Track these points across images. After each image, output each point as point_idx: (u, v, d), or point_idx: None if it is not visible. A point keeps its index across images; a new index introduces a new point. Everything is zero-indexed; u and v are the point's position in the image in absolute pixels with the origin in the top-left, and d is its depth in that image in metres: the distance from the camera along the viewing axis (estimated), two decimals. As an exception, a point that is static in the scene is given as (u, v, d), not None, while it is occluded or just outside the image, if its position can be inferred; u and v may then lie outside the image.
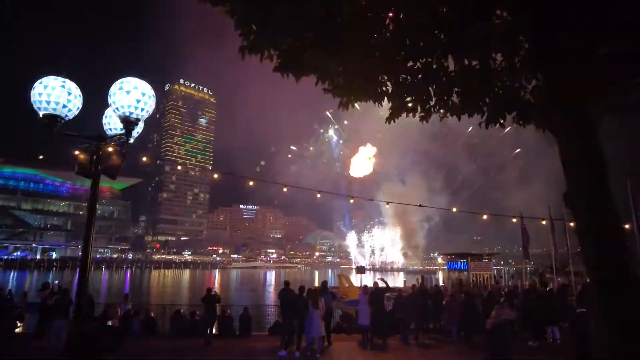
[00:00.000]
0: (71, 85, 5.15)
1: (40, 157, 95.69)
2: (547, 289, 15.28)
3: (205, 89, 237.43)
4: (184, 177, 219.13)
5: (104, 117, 5.95)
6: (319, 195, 24.32)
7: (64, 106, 5.04)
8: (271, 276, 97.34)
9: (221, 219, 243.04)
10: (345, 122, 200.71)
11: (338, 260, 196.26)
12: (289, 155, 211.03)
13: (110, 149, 5.71)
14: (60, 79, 5.10)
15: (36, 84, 4.98)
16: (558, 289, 15.60)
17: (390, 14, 3.89)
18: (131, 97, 5.04)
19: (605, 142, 3.35)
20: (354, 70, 3.98)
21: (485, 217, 27.43)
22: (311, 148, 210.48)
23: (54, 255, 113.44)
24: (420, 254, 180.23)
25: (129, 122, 5.12)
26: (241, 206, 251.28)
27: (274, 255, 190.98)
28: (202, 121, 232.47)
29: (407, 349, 11.82)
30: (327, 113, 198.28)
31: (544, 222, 24.90)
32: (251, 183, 24.50)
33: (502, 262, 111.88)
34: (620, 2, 3.60)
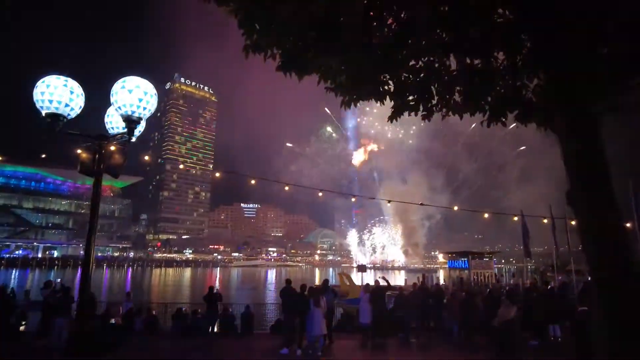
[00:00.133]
0: (73, 84, 5.17)
1: (43, 155, 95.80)
2: (548, 287, 15.28)
3: (206, 88, 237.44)
4: (185, 175, 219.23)
5: (106, 115, 5.97)
6: (320, 194, 24.31)
7: (67, 105, 5.06)
8: (272, 275, 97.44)
9: (222, 217, 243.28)
10: (348, 120, 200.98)
11: (339, 258, 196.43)
12: (284, 153, 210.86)
13: (112, 148, 5.73)
14: (62, 78, 5.12)
15: (39, 83, 4.99)
16: (559, 288, 15.62)
17: (392, 14, 3.90)
18: (133, 96, 5.06)
19: (606, 141, 3.36)
20: (356, 70, 3.99)
21: (486, 215, 27.43)
22: (307, 149, 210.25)
23: (56, 253, 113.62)
24: (421, 252, 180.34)
25: (131, 121, 5.14)
26: (242, 205, 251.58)
27: (275, 254, 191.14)
28: (203, 119, 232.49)
29: (408, 348, 11.84)
30: (326, 109, 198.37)
31: (545, 221, 24.90)
32: (253, 182, 24.51)
33: (503, 261, 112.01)
34: (620, 2, 3.60)
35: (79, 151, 5.66)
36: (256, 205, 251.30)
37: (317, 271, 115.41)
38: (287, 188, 23.49)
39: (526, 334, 12.55)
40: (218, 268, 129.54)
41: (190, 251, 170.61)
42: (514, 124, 4.61)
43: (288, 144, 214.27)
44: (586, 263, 3.30)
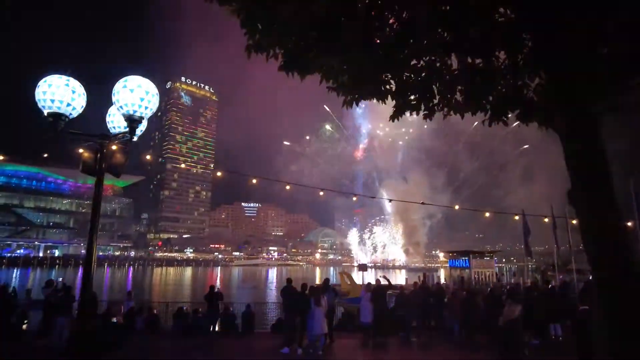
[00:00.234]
0: (75, 83, 5.17)
1: (45, 155, 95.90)
2: (549, 286, 15.28)
3: (206, 87, 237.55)
4: (185, 174, 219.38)
5: (107, 115, 5.97)
6: (321, 193, 24.30)
7: (68, 104, 5.06)
8: (273, 274, 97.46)
9: (223, 216, 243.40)
10: (351, 119, 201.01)
11: (340, 258, 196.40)
12: (285, 152, 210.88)
13: (114, 147, 5.74)
14: (64, 77, 5.12)
15: (40, 83, 5.00)
16: (560, 287, 15.63)
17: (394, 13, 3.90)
18: (135, 96, 5.06)
19: (606, 140, 3.36)
20: (358, 69, 3.99)
21: (487, 214, 27.44)
22: (308, 148, 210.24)
23: (57, 253, 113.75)
24: (422, 251, 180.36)
25: (133, 120, 5.14)
26: (243, 204, 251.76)
27: (276, 253, 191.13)
28: (204, 118, 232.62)
29: (409, 347, 11.85)
30: (326, 107, 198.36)
31: (546, 220, 24.89)
32: (254, 181, 24.50)
33: (504, 260, 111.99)
34: (620, 2, 3.60)
35: (80, 150, 5.67)
36: (257, 205, 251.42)
37: (317, 270, 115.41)
38: (288, 187, 23.44)
39: (527, 333, 12.56)
40: (219, 267, 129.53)
41: (191, 250, 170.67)
42: (516, 123, 4.61)
43: (285, 142, 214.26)
44: (587, 262, 3.31)
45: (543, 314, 12.56)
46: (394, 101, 4.40)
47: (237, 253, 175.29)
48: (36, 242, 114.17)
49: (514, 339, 7.63)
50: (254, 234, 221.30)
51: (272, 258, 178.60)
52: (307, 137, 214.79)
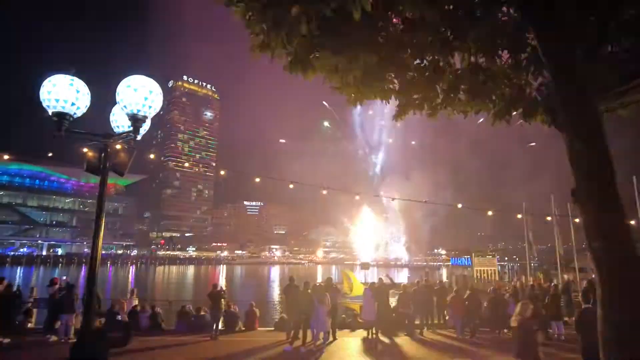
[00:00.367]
0: (79, 83, 5.19)
1: (50, 154, 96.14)
2: (552, 284, 15.28)
3: (208, 86, 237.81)
4: (188, 173, 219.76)
5: (111, 114, 5.99)
6: (324, 192, 24.31)
7: (73, 104, 5.09)
8: (275, 272, 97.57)
9: (225, 215, 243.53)
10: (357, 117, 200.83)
11: (342, 256, 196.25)
12: (287, 150, 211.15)
13: (118, 146, 5.76)
14: (68, 77, 5.14)
15: (45, 82, 5.02)
16: (563, 285, 15.63)
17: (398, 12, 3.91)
18: (139, 95, 5.08)
19: (611, 138, 3.36)
20: (363, 69, 4.00)
21: (490, 213, 27.44)
22: (311, 146, 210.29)
23: (60, 251, 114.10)
24: (424, 248, 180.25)
25: (136, 120, 5.16)
26: (245, 202, 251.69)
27: (278, 252, 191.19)
28: (206, 117, 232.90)
29: (412, 345, 11.86)
30: (326, 104, 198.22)
31: (549, 218, 24.85)
32: (257, 180, 24.51)
33: (506, 258, 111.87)
34: (624, 1, 3.60)
35: (85, 150, 5.69)
36: (259, 203, 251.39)
37: (320, 269, 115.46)
38: (291, 186, 23.46)
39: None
40: (221, 265, 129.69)
41: (194, 249, 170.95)
42: (520, 121, 4.62)
43: (287, 141, 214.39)
44: (590, 261, 3.31)
45: (546, 312, 12.58)
46: (397, 100, 4.41)
47: (240, 251, 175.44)
48: (39, 241, 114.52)
49: (530, 338, 7.66)
50: (257, 232, 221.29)
51: (274, 257, 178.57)
52: (311, 135, 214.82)
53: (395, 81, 4.30)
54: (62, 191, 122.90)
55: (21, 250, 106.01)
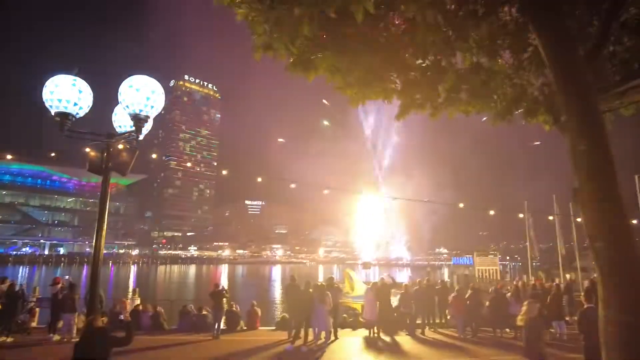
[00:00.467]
0: (81, 83, 5.21)
1: (52, 154, 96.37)
2: (554, 284, 15.27)
3: (210, 85, 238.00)
4: (189, 173, 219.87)
5: (113, 114, 6.00)
6: (326, 192, 24.30)
7: (75, 104, 5.10)
8: (277, 272, 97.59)
9: (227, 214, 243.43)
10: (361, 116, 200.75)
11: (343, 255, 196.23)
12: (289, 149, 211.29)
13: (120, 146, 5.78)
14: (70, 77, 5.16)
15: (47, 82, 5.03)
16: (565, 285, 15.62)
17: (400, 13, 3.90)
18: (141, 95, 5.08)
19: (612, 138, 3.36)
20: (364, 69, 4.00)
21: (491, 212, 27.43)
22: (312, 145, 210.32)
23: (62, 251, 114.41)
24: (426, 248, 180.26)
25: (139, 120, 5.16)
26: (247, 201, 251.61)
27: (280, 251, 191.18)
28: (208, 116, 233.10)
29: (413, 344, 11.86)
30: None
31: (551, 217, 24.82)
32: (259, 179, 24.52)
33: (508, 258, 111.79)
34: (626, 3, 3.59)
35: (87, 149, 5.71)
36: (261, 203, 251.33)
37: (321, 268, 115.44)
38: (293, 186, 23.44)
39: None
40: (223, 265, 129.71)
41: (195, 248, 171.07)
42: (523, 122, 4.62)
43: (289, 140, 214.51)
44: (592, 260, 3.31)
45: (548, 312, 12.56)
46: (399, 100, 4.41)
47: (241, 251, 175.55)
48: (41, 240, 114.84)
49: (538, 337, 7.69)
50: (258, 231, 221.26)
51: (275, 256, 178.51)
52: (312, 134, 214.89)
53: (397, 81, 4.30)
54: (63, 190, 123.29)
55: (23, 249, 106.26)
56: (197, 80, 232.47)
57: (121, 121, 5.92)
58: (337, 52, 3.75)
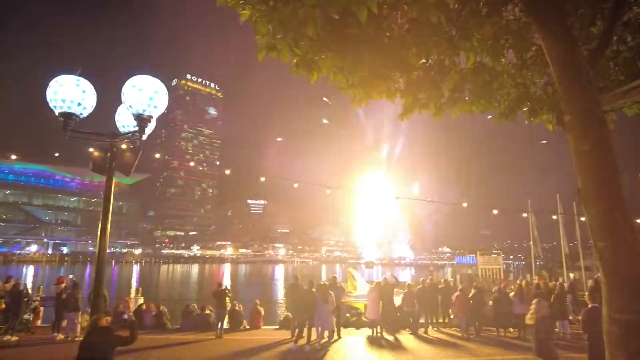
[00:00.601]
0: (85, 83, 5.23)
1: (56, 154, 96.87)
2: (558, 283, 15.24)
3: (212, 84, 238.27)
4: (191, 172, 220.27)
5: (116, 114, 6.02)
6: (329, 191, 24.29)
7: (79, 104, 5.12)
8: (279, 271, 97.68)
9: (229, 213, 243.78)
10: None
11: (346, 255, 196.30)
12: (291, 148, 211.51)
13: (123, 146, 5.79)
14: (74, 77, 5.18)
15: (51, 83, 5.05)
16: (569, 284, 15.58)
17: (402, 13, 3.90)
18: (144, 95, 5.09)
19: (615, 137, 3.36)
20: (368, 69, 3.99)
21: (495, 211, 27.37)
22: (314, 144, 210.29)
23: (65, 250, 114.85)
24: (429, 247, 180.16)
25: (142, 120, 5.18)
26: (249, 201, 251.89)
27: (282, 250, 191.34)
28: (210, 116, 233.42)
29: (416, 343, 11.86)
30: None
31: (554, 217, 24.76)
32: (262, 179, 24.53)
33: (511, 257, 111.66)
34: (629, 2, 3.58)
35: (91, 149, 5.73)
36: (263, 202, 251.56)
37: (324, 267, 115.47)
38: (296, 185, 23.45)
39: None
40: (226, 264, 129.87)
41: (198, 247, 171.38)
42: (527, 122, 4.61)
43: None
44: (596, 259, 3.31)
45: (552, 311, 12.54)
46: (403, 100, 4.41)
47: (244, 250, 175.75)
48: (45, 240, 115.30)
49: (547, 336, 7.68)
50: (260, 231, 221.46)
51: (278, 255, 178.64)
52: (314, 133, 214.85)
53: (401, 81, 4.29)
54: (66, 190, 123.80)
55: (27, 248, 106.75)
56: (199, 80, 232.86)
57: (124, 121, 5.93)
58: (341, 52, 3.75)
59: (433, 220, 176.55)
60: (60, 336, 11.56)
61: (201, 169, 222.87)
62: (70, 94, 5.04)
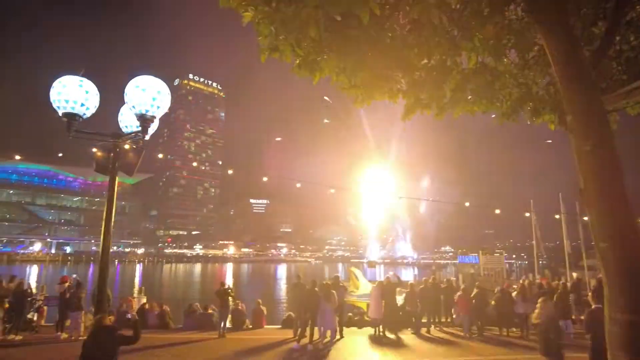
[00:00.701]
0: (88, 83, 5.24)
1: (60, 155, 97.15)
2: (560, 283, 15.21)
3: (214, 84, 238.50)
4: (194, 171, 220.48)
5: (119, 114, 6.03)
6: (332, 191, 24.30)
7: (82, 104, 5.14)
8: (282, 270, 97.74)
9: (231, 213, 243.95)
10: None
11: (348, 254, 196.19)
12: (293, 148, 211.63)
13: (126, 146, 5.81)
14: (77, 77, 5.19)
15: (55, 83, 5.06)
16: (572, 284, 15.55)
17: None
18: (147, 95, 5.10)
19: (618, 136, 3.35)
20: (370, 69, 4.00)
21: (497, 211, 27.35)
22: (316, 143, 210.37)
23: (68, 249, 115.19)
24: (431, 246, 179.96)
25: (145, 120, 5.19)
26: (251, 200, 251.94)
27: (285, 250, 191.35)
28: (212, 115, 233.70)
29: (419, 342, 11.86)
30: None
31: (557, 216, 24.70)
32: (265, 179, 24.60)
33: (514, 256, 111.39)
34: (631, 1, 3.57)
35: (94, 150, 5.75)
36: (265, 201, 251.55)
37: (326, 267, 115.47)
38: (298, 185, 23.48)
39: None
40: (228, 264, 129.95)
41: (200, 247, 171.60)
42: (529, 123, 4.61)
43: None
44: (599, 259, 3.30)
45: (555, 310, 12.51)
46: (405, 100, 4.41)
47: (246, 249, 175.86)
48: (48, 239, 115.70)
49: (554, 335, 7.67)
50: (263, 230, 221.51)
51: (280, 254, 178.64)
52: (316, 133, 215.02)
53: (403, 81, 4.29)
54: (70, 189, 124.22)
55: (30, 248, 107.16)
56: (202, 79, 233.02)
57: (127, 121, 5.94)
58: (343, 53, 3.75)
59: (436, 219, 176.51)
60: (64, 335, 11.61)
61: (203, 168, 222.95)
62: (73, 94, 5.05)
